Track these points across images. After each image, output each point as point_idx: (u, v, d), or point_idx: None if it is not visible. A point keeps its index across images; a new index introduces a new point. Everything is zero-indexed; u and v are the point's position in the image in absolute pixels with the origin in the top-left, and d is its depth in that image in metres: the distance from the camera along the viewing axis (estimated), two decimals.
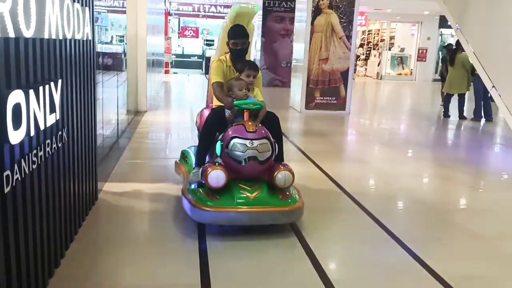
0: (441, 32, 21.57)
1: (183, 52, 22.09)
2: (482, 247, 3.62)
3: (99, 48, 5.25)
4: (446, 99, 10.56)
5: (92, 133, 3.81)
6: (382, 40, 22.73)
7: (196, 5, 23.33)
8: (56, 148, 2.71)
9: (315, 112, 10.15)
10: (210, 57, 20.39)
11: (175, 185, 4.50)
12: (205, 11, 23.60)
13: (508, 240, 3.76)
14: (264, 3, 15.22)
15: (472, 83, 10.34)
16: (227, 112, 3.83)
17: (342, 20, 10.02)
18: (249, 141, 3.45)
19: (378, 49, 22.46)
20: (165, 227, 3.66)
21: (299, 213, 3.57)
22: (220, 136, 3.67)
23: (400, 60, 21.63)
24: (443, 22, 20.28)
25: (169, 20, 21.04)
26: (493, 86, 6.41)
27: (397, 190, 5.07)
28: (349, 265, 3.29)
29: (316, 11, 9.96)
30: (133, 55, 8.54)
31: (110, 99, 6.06)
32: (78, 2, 3.12)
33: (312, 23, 9.98)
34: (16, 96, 2.02)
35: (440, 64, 16.43)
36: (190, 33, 22.73)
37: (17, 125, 2.03)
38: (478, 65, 6.81)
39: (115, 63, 6.81)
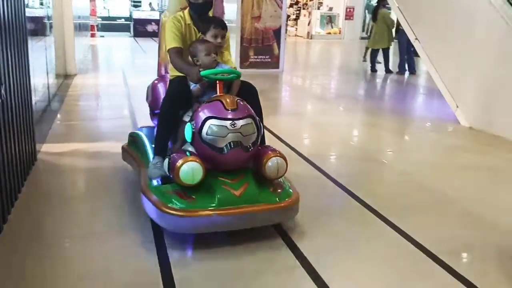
0: None
1: (109, 15, 21.17)
2: (406, 180, 4.01)
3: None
4: (372, 55, 11.04)
5: (27, 93, 3.71)
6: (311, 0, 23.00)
7: None
8: None
9: (250, 71, 10.24)
10: (138, 19, 19.84)
11: (112, 143, 4.47)
12: None
13: (426, 175, 4.16)
14: None
15: (396, 39, 10.87)
16: (193, 86, 3.01)
17: None
18: (230, 122, 2.66)
19: (307, 9, 22.73)
20: (107, 182, 3.68)
21: (296, 208, 2.87)
22: (190, 117, 2.90)
23: (329, 19, 22.06)
24: None
25: None
26: (416, 39, 6.82)
27: (330, 137, 5.39)
28: None
29: None
30: (59, 18, 8.18)
31: (38, 63, 5.83)
32: None
33: None
34: None
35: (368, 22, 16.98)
36: None
37: None
38: (402, 19, 7.18)
39: (39, 27, 6.51)
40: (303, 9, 23.19)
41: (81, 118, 6.10)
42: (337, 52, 17.51)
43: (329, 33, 21.97)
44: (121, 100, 7.07)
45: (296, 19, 23.45)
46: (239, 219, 2.63)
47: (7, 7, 3.05)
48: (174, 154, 2.78)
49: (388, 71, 10.72)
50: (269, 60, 10.50)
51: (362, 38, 20.24)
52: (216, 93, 2.89)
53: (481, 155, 4.79)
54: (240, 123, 2.68)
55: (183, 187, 2.68)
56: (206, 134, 2.68)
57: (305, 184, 3.49)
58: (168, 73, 3.46)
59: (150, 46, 16.45)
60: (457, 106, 6.06)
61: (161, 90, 3.45)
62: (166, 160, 2.82)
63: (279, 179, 2.90)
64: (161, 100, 3.16)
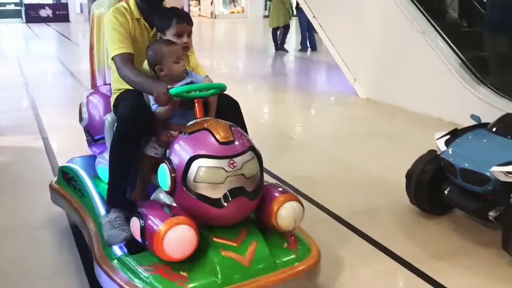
0: None
1: None
2: (313, 152, 4.29)
3: None
4: (273, 33, 11.31)
5: None
6: None
7: None
8: None
9: None
10: (30, 4, 18.47)
11: (14, 137, 4.28)
12: None
13: (333, 146, 4.48)
14: None
15: (296, 16, 11.25)
16: (156, 106, 2.16)
17: None
18: (228, 160, 1.88)
19: None
20: (14, 176, 3.55)
21: (319, 268, 2.09)
22: (165, 154, 2.02)
23: None
24: None
25: None
26: (314, 16, 7.14)
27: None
28: None
29: None
30: None
31: None
32: None
33: None
34: None
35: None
36: None
37: None
38: None
39: None
40: None
41: None
42: (242, 31, 17.71)
43: (233, 12, 22.09)
44: (19, 91, 6.66)
45: None
46: None
47: None
48: (144, 210, 1.91)
49: (279, 48, 10.97)
50: None
51: (265, 16, 20.60)
52: (192, 115, 2.13)
53: (378, 124, 5.23)
54: (240, 160, 1.91)
55: (166, 261, 1.83)
56: (195, 180, 1.87)
57: None
58: (107, 84, 2.69)
59: (45, 32, 15.43)
60: (355, 80, 6.50)
61: (101, 108, 2.61)
62: (134, 219, 1.92)
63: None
64: (103, 123, 2.45)
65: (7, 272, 2.37)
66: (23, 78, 7.64)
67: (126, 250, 1.99)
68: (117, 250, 2.00)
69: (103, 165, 2.48)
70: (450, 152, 2.71)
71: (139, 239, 1.90)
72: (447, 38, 5.35)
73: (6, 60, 9.94)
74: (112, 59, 2.29)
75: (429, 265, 2.44)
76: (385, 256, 2.55)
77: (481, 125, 2.93)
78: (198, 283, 1.81)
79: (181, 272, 1.83)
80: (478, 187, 2.55)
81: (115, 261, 1.95)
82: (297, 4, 10.30)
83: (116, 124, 2.20)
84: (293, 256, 2.01)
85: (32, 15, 18.00)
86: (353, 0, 6.34)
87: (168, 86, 2.07)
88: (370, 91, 6.26)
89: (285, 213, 2.00)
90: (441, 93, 5.19)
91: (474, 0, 6.33)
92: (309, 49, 11.11)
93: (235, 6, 22.21)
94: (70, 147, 3.85)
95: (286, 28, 11.11)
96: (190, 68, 2.42)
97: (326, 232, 2.74)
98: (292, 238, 2.10)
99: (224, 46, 13.33)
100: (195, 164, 1.87)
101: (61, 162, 3.09)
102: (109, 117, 2.41)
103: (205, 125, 1.99)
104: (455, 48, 5.28)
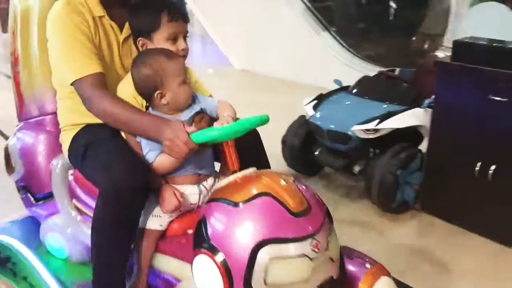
0: None
1: None
2: None
3: None
4: None
5: None
6: None
7: None
8: None
9: None
10: None
11: None
12: None
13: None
14: None
15: None
16: (156, 155, 1.45)
17: None
18: (310, 241, 1.23)
19: None
20: None
21: None
22: (200, 237, 1.30)
23: None
24: None
25: None
26: None
27: None
28: None
29: None
30: None
31: None
32: None
33: None
34: None
35: None
36: None
37: None
38: None
39: None
40: None
41: None
42: None
43: None
44: None
45: None
46: None
47: None
48: None
49: None
50: None
51: None
52: (207, 159, 1.54)
53: (252, 95, 5.38)
54: (324, 237, 1.27)
55: None
56: (267, 282, 1.20)
57: None
58: (46, 115, 1.88)
59: None
60: (230, 52, 6.59)
61: (42, 151, 1.85)
62: None
63: None
64: (48, 172, 1.80)
65: None
66: None
67: None
68: None
69: (55, 235, 1.79)
70: (317, 116, 2.91)
71: None
72: (309, 5, 5.62)
73: None
74: (73, 84, 1.50)
75: None
76: None
77: (343, 88, 3.18)
78: None
79: None
80: (343, 145, 2.78)
81: None
82: None
83: (99, 199, 1.41)
84: None
85: None
86: None
87: (188, 129, 1.34)
88: (244, 62, 6.39)
89: None
90: (307, 59, 5.46)
91: None
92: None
93: None
94: None
95: None
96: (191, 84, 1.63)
97: None
98: None
99: None
100: (264, 255, 1.19)
101: None
102: (59, 163, 1.74)
103: (261, 186, 1.27)
104: (319, 16, 5.59)
